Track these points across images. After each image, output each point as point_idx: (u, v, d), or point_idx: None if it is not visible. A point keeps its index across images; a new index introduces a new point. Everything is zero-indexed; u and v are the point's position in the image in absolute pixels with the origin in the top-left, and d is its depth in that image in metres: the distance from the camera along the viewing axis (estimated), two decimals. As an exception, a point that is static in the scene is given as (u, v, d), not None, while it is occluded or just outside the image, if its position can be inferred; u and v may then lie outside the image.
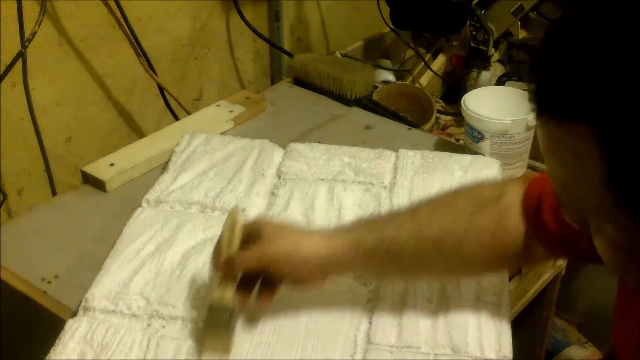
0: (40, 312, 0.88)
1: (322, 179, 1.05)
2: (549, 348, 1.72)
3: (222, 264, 0.77)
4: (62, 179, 1.30)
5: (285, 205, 0.99)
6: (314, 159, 1.09)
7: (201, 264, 0.88)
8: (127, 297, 0.83)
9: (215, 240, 0.84)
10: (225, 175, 1.05)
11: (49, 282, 0.90)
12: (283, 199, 1.00)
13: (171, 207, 0.99)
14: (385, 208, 0.99)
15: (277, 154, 1.11)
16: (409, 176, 1.04)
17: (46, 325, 0.88)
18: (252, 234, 0.78)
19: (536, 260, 0.90)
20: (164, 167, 1.09)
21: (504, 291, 0.85)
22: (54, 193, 1.24)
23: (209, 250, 0.90)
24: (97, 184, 1.07)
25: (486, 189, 0.82)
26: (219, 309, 0.76)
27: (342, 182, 1.04)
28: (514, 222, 0.76)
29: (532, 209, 0.75)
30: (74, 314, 0.85)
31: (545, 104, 0.51)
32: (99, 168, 1.09)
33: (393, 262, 0.78)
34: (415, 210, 0.80)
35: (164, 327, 0.81)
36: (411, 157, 1.08)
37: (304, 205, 0.99)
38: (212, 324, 0.77)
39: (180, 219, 0.96)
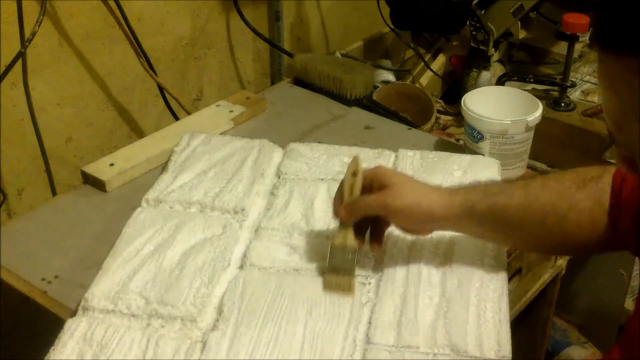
0: (40, 312, 0.88)
1: (322, 179, 1.05)
2: (549, 348, 1.72)
3: (344, 207, 0.84)
4: (62, 179, 1.30)
5: (284, 205, 0.99)
6: (313, 159, 1.09)
7: (200, 264, 0.88)
8: (127, 296, 0.83)
9: (214, 240, 0.89)
10: (225, 175, 1.05)
11: (49, 282, 0.90)
12: (282, 198, 1.00)
13: (171, 207, 0.99)
14: None
15: (277, 153, 1.11)
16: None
17: (46, 325, 0.88)
18: (376, 181, 0.85)
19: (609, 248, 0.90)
20: (163, 167, 1.09)
21: (503, 291, 0.85)
22: (54, 193, 1.24)
23: (208, 249, 0.90)
24: (97, 184, 1.07)
25: (592, 168, 0.86)
26: (342, 250, 0.84)
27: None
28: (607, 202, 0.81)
29: (617, 186, 0.80)
30: (73, 313, 0.85)
31: (604, 39, 0.56)
32: (99, 168, 1.09)
33: (499, 229, 0.84)
34: (527, 182, 0.85)
35: (163, 326, 0.81)
36: (410, 157, 1.08)
37: (303, 205, 0.99)
38: (335, 265, 0.85)
39: (179, 218, 0.96)
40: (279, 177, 1.06)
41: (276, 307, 0.82)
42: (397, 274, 0.87)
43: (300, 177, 1.05)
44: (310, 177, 1.05)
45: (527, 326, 1.29)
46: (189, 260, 0.89)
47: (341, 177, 1.04)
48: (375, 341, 0.79)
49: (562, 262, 1.17)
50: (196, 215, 0.98)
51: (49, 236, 0.98)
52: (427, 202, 0.83)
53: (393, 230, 0.94)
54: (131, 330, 0.79)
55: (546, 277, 1.16)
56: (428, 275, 0.87)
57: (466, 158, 1.07)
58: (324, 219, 0.96)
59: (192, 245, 0.91)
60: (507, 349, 0.78)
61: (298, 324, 0.80)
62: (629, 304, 1.83)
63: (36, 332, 0.92)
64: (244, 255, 0.91)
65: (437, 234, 0.93)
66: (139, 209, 0.98)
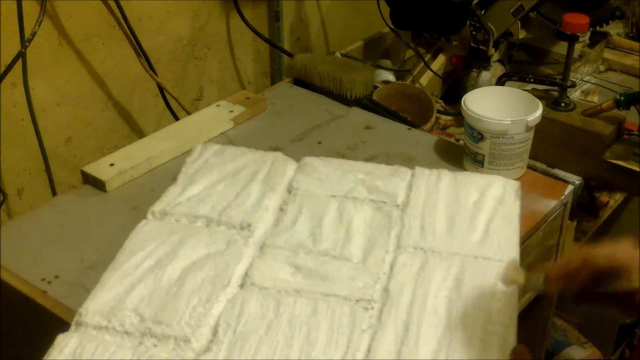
0: (40, 312, 0.88)
1: (334, 196, 1.01)
2: (549, 348, 1.72)
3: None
4: (62, 179, 1.30)
5: (292, 222, 0.95)
6: (327, 174, 1.05)
7: (200, 281, 0.85)
8: (121, 313, 0.81)
9: (216, 256, 0.89)
10: (235, 188, 1.02)
11: (49, 282, 0.90)
12: (291, 215, 0.97)
13: (176, 220, 0.97)
14: (396, 229, 0.95)
15: (290, 167, 1.08)
16: (423, 196, 1.00)
17: (46, 325, 0.88)
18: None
19: None
20: (173, 177, 1.06)
21: (512, 323, 0.81)
22: (54, 193, 1.24)
23: (209, 266, 0.88)
24: (97, 184, 1.07)
25: None
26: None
27: (353, 200, 1.00)
28: None
29: None
30: (73, 313, 0.85)
31: None
32: (99, 168, 1.09)
33: None
34: None
35: (155, 345, 0.78)
36: (427, 176, 1.04)
37: (312, 223, 0.96)
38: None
39: (183, 233, 0.93)
40: (290, 192, 1.02)
41: (272, 331, 0.79)
42: (402, 300, 0.83)
43: (311, 193, 1.01)
44: (322, 194, 1.01)
45: (527, 326, 1.29)
46: (188, 277, 0.86)
47: (353, 194, 1.01)
48: None
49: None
50: (201, 229, 0.95)
51: (49, 236, 0.98)
52: None
53: (404, 250, 0.91)
54: (122, 349, 0.77)
55: (546, 277, 1.16)
56: (435, 302, 0.83)
57: (483, 179, 1.03)
58: (332, 237, 0.93)
59: (194, 261, 0.89)
60: None
61: (293, 350, 0.77)
62: (629, 304, 1.83)
63: (36, 332, 0.92)
64: (246, 274, 0.88)
65: (450, 254, 0.89)
66: (143, 221, 0.96)
